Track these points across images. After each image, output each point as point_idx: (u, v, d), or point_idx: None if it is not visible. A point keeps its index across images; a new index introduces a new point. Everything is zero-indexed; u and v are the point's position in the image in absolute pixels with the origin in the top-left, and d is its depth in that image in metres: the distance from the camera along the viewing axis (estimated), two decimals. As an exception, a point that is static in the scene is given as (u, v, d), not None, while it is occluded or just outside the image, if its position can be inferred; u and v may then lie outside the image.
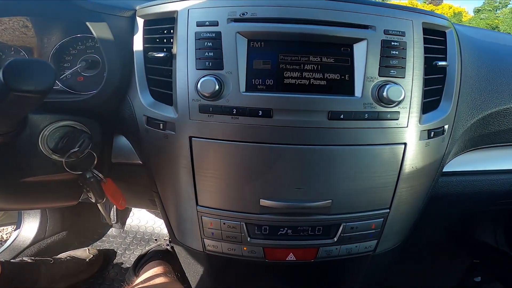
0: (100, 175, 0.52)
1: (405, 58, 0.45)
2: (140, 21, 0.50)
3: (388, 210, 0.52)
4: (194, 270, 0.64)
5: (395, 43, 0.44)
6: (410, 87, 0.45)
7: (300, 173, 0.46)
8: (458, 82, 0.52)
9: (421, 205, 0.58)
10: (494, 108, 0.56)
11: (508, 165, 0.63)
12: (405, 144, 0.47)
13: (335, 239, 0.52)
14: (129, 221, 1.34)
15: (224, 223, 0.51)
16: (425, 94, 0.48)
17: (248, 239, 0.51)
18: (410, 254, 1.01)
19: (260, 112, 0.43)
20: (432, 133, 0.49)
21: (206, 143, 0.45)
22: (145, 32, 0.50)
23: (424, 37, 0.47)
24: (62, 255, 1.03)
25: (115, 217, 1.26)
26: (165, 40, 0.49)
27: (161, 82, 0.48)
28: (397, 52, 0.44)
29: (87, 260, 1.03)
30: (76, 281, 1.00)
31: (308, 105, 0.43)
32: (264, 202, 0.47)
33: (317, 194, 0.47)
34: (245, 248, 0.52)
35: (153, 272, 0.88)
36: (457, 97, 0.52)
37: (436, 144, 0.51)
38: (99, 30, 0.48)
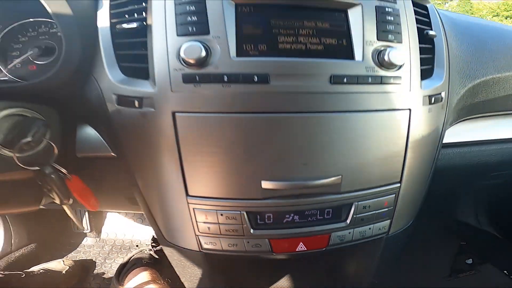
0: (62, 169, 0.42)
1: (400, 24, 0.44)
2: None
3: (399, 185, 0.48)
4: (190, 274, 0.55)
5: (389, 9, 0.44)
6: (408, 52, 0.44)
7: (304, 145, 0.41)
8: (446, 52, 0.52)
9: (428, 179, 0.54)
10: (481, 77, 0.57)
11: (498, 134, 0.64)
12: (410, 110, 0.44)
13: (348, 221, 0.47)
14: (105, 229, 1.23)
15: (221, 215, 0.43)
16: (420, 61, 0.47)
17: (251, 230, 0.44)
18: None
19: (256, 77, 0.37)
20: (433, 99, 0.47)
21: (193, 118, 0.38)
22: (112, 5, 0.43)
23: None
24: (34, 269, 0.95)
25: (88, 225, 1.18)
26: (135, 12, 0.42)
27: (134, 56, 0.41)
28: (392, 18, 0.43)
29: (63, 272, 0.96)
30: (55, 294, 0.90)
31: (308, 69, 0.39)
32: (266, 184, 0.41)
33: (325, 169, 0.42)
34: (248, 242, 0.45)
35: (140, 279, 0.81)
36: (448, 66, 0.52)
37: (436, 110, 0.49)
38: (54, 4, 0.41)
